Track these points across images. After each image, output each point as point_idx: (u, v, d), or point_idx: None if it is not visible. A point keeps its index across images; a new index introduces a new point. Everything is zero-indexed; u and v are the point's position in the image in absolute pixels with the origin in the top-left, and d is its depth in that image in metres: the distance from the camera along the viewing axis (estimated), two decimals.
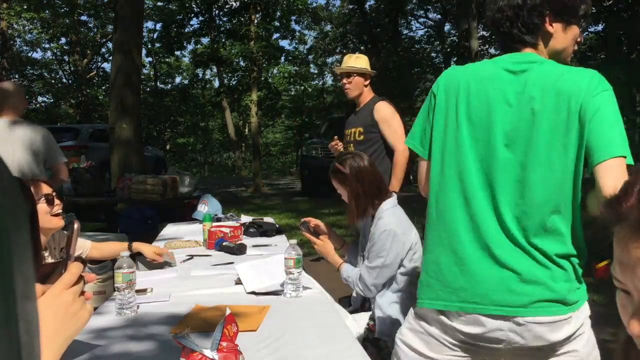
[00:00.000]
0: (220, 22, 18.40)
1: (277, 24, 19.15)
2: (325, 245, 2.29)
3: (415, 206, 8.95)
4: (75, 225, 0.98)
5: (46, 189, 2.07)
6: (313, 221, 2.42)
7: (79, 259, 2.25)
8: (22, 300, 0.33)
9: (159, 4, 23.38)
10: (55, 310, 0.82)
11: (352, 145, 3.33)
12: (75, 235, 0.97)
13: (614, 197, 0.58)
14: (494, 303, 1.25)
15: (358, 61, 3.38)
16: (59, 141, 11.79)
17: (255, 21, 14.92)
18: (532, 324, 1.25)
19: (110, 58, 10.22)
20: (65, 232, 2.22)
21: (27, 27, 24.95)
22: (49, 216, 2.03)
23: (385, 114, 3.29)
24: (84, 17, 24.96)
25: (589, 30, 19.34)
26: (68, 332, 0.84)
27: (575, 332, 1.31)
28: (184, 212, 5.43)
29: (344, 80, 3.35)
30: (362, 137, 3.30)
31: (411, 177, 13.36)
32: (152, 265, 2.40)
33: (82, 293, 0.89)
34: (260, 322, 1.65)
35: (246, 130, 28.47)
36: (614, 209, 0.57)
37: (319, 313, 1.77)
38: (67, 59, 26.97)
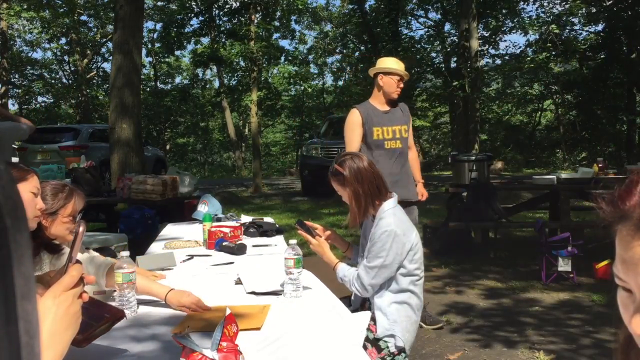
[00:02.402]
0: (220, 22, 18.38)
1: (277, 24, 19.15)
2: (320, 244, 2.28)
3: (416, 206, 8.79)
4: (81, 228, 0.97)
5: (81, 205, 2.04)
6: (311, 224, 2.41)
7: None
8: (22, 300, 0.33)
9: (159, 4, 23.41)
10: (56, 312, 0.83)
11: (399, 141, 3.52)
12: (80, 238, 0.97)
13: (616, 195, 0.58)
14: None
15: None
16: (59, 141, 11.80)
17: (255, 21, 14.90)
18: None
19: (110, 58, 10.22)
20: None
21: (27, 27, 24.96)
22: (68, 231, 2.00)
23: (410, 115, 3.68)
24: (84, 17, 24.97)
25: (589, 30, 19.36)
26: (69, 333, 0.84)
27: None
28: (184, 212, 5.43)
29: (400, 84, 3.53)
30: (406, 134, 3.55)
31: None
32: (152, 265, 2.40)
33: (81, 295, 0.90)
34: (264, 320, 1.65)
35: (246, 130, 28.46)
36: (616, 208, 0.57)
37: (319, 313, 1.77)
38: (67, 59, 26.96)
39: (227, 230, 3.05)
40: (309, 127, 25.66)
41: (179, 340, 1.24)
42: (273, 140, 32.22)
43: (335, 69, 29.09)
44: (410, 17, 24.47)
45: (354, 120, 3.50)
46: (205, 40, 19.78)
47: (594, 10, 17.32)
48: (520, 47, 23.60)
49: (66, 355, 0.84)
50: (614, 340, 0.68)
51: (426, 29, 24.30)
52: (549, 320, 3.64)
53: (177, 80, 30.52)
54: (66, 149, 10.68)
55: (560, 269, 4.48)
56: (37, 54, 48.87)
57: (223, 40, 16.81)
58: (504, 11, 19.60)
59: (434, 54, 22.41)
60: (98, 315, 1.15)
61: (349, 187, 2.19)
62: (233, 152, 27.16)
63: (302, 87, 22.92)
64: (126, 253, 1.80)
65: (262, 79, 18.82)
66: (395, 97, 3.53)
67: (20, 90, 25.85)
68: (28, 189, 1.69)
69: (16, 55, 24.61)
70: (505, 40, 43.38)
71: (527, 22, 19.16)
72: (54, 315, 0.82)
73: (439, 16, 23.69)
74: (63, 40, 25.77)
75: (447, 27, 23.39)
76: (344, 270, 2.26)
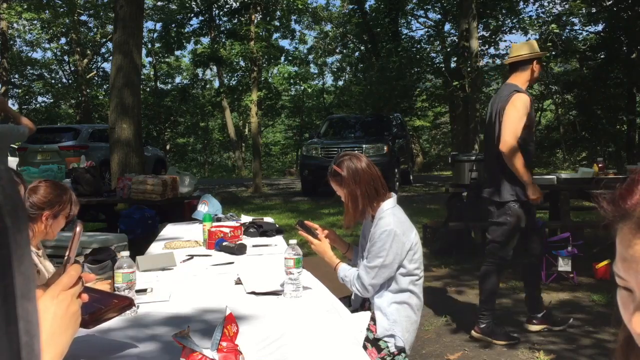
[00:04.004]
0: (220, 22, 18.40)
1: (277, 24, 19.15)
2: (322, 244, 2.29)
3: (416, 206, 8.99)
4: (78, 228, 0.97)
5: (76, 208, 2.03)
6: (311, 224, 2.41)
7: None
8: (22, 300, 0.33)
9: (159, 3, 23.42)
10: (55, 312, 0.82)
11: None
12: (77, 238, 0.97)
13: (617, 194, 0.58)
14: None
15: None
16: (59, 141, 11.79)
17: (255, 21, 14.90)
18: None
19: (110, 58, 10.23)
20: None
21: (27, 27, 24.96)
22: (57, 230, 2.00)
23: None
24: (84, 17, 24.98)
25: (589, 30, 19.35)
26: (69, 333, 0.84)
27: None
28: (184, 212, 5.43)
29: None
30: None
31: (411, 178, 13.40)
32: (152, 265, 2.40)
33: (80, 295, 0.90)
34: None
35: (246, 130, 28.46)
36: (617, 206, 0.58)
37: (319, 313, 1.77)
38: (67, 59, 26.98)
39: (227, 230, 3.05)
40: (309, 127, 25.66)
41: (179, 340, 1.24)
42: (273, 140, 32.24)
43: (335, 69, 29.09)
44: (410, 17, 24.47)
45: (527, 105, 3.12)
46: (205, 40, 19.80)
47: (594, 10, 17.31)
48: None
49: (69, 349, 0.84)
50: (614, 340, 0.68)
51: (426, 29, 24.31)
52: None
53: (177, 80, 30.56)
54: (66, 149, 10.69)
55: (560, 269, 4.48)
56: (37, 54, 48.88)
57: (223, 40, 16.82)
58: (503, 11, 19.60)
59: (434, 54, 22.39)
60: (106, 301, 1.18)
61: (346, 187, 2.19)
62: (233, 152, 27.16)
63: (302, 87, 22.95)
64: (126, 253, 1.80)
65: (262, 79, 18.84)
66: None
67: (20, 90, 25.87)
68: None
69: (16, 55, 24.61)
70: (505, 40, 43.35)
71: (527, 22, 19.16)
72: (54, 315, 0.82)
73: (439, 16, 23.71)
74: (63, 40, 25.81)
75: (447, 27, 23.40)
76: (345, 270, 2.26)
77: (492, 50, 21.01)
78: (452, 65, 20.98)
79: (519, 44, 3.38)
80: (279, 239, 3.25)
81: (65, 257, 0.95)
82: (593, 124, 19.38)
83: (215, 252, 2.81)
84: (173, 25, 17.35)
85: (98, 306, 1.13)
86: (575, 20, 19.32)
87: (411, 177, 13.43)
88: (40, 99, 27.04)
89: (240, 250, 2.75)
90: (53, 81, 26.84)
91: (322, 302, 1.90)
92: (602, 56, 18.12)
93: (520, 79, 3.25)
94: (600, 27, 18.33)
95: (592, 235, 5.30)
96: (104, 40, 25.47)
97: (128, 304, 1.23)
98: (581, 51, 18.36)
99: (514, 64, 3.28)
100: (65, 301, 0.84)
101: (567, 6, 17.89)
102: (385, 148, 10.34)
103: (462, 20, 15.61)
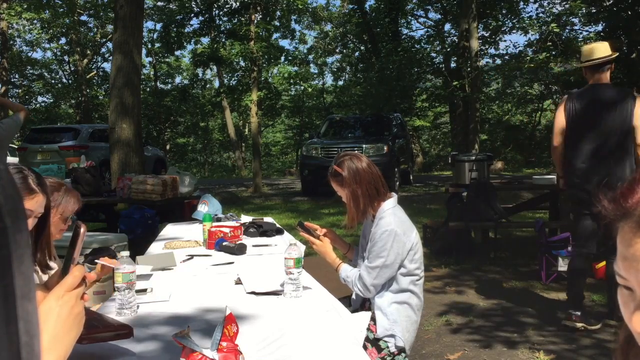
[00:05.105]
0: (220, 22, 18.39)
1: (277, 24, 19.14)
2: (323, 245, 2.29)
3: (416, 206, 8.97)
4: (82, 230, 0.98)
5: (73, 206, 2.02)
6: (310, 224, 2.41)
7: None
8: (22, 300, 0.33)
9: (159, 4, 23.43)
10: (59, 313, 0.82)
11: None
12: (81, 240, 0.98)
13: (618, 193, 0.58)
14: None
15: None
16: (59, 141, 11.76)
17: (255, 21, 14.89)
18: None
19: (110, 58, 10.23)
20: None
21: (27, 27, 24.98)
22: (56, 231, 2.00)
23: None
24: (84, 17, 24.99)
25: (589, 30, 19.35)
26: (73, 334, 0.84)
27: None
28: (184, 212, 5.43)
29: None
30: None
31: (411, 178, 13.39)
32: (152, 265, 2.40)
33: (83, 296, 0.90)
34: None
35: (246, 130, 28.47)
36: (618, 205, 0.58)
37: (319, 313, 1.77)
38: (67, 59, 26.99)
39: (227, 230, 3.05)
40: (309, 127, 25.66)
41: (179, 340, 1.24)
42: (273, 140, 32.25)
43: (335, 69, 29.09)
44: (410, 17, 24.48)
45: None
46: (205, 40, 19.79)
47: (594, 10, 17.32)
48: (520, 47, 23.62)
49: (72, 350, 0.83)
50: (614, 340, 0.68)
51: (426, 29, 24.31)
52: (549, 320, 3.63)
53: (177, 80, 30.60)
54: (66, 149, 10.70)
55: (560, 269, 4.48)
56: (37, 54, 48.94)
57: (223, 40, 16.81)
58: (503, 11, 19.60)
59: (434, 54, 22.39)
60: (106, 323, 1.17)
61: (347, 187, 2.19)
62: (233, 152, 27.17)
63: (302, 87, 22.94)
64: (126, 253, 1.80)
65: (262, 79, 18.83)
66: None
67: (20, 90, 25.88)
68: None
69: (16, 55, 24.62)
70: (505, 40, 43.46)
71: (527, 22, 19.16)
72: (57, 317, 0.82)
73: (439, 16, 23.71)
74: (63, 40, 25.81)
75: (447, 27, 23.40)
76: (346, 271, 2.26)
77: (492, 50, 21.03)
78: (452, 65, 20.99)
79: (593, 45, 3.49)
80: (279, 239, 3.25)
81: (71, 260, 0.95)
82: None
83: (215, 252, 2.81)
84: (173, 26, 17.34)
85: (96, 325, 1.13)
86: (575, 20, 19.32)
87: (411, 177, 13.42)
88: (40, 99, 27.12)
89: (240, 250, 2.75)
90: (53, 81, 26.87)
91: (322, 302, 1.90)
92: None
93: (608, 77, 3.45)
94: (600, 27, 18.33)
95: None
96: (104, 40, 25.49)
97: (127, 332, 1.22)
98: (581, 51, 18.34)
99: (593, 65, 3.44)
100: (70, 302, 0.84)
101: (567, 6, 17.89)
102: (385, 148, 10.34)
103: (462, 20, 15.63)
